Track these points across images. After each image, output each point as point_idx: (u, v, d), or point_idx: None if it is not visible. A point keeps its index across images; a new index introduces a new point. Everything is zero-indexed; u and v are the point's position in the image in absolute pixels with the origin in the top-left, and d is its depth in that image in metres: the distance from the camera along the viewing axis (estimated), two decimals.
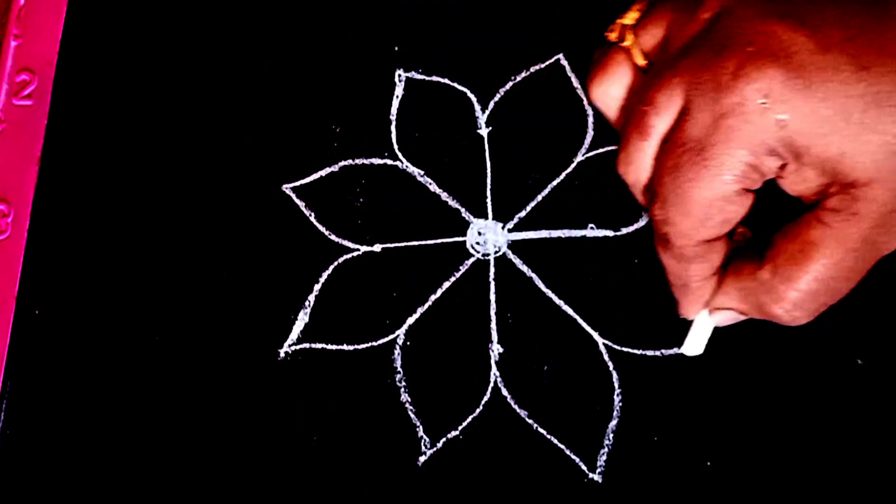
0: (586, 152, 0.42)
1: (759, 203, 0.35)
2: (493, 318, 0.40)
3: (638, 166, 0.34)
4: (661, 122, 0.33)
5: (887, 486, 0.38)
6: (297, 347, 0.40)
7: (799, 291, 0.33)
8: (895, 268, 0.39)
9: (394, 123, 0.43)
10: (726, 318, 0.37)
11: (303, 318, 0.40)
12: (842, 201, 0.32)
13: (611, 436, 0.38)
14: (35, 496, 0.39)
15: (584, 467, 0.38)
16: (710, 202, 0.32)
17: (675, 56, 0.33)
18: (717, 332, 0.37)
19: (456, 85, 0.43)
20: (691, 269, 0.35)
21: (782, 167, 0.32)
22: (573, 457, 0.38)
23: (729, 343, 0.39)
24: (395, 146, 0.43)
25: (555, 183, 0.42)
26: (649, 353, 0.39)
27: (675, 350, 0.39)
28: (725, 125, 0.31)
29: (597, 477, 0.38)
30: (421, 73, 0.43)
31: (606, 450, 0.38)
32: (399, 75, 0.44)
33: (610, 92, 0.35)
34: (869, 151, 0.31)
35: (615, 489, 0.38)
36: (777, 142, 0.31)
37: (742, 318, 0.36)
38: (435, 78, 0.43)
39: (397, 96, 0.43)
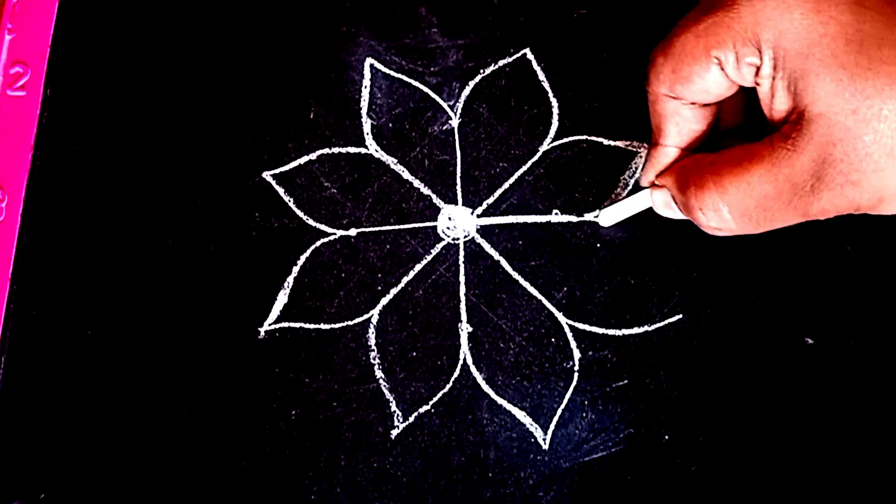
0: (551, 142, 0.42)
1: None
2: (463, 298, 0.41)
3: None
4: None
5: (837, 462, 0.38)
6: (277, 326, 0.40)
7: (718, 186, 0.34)
8: (841, 249, 0.41)
9: (366, 114, 0.43)
10: (659, 201, 0.38)
11: (282, 299, 0.41)
12: (791, 128, 0.32)
13: (567, 407, 0.39)
14: (27, 468, 0.40)
15: (543, 437, 0.39)
16: (685, 53, 0.34)
17: None
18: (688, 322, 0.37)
19: (428, 78, 0.43)
20: (662, 123, 0.36)
21: (758, 71, 0.33)
22: (533, 428, 0.39)
23: (683, 321, 0.40)
24: (369, 136, 0.43)
25: (521, 171, 0.42)
26: (610, 332, 0.40)
27: (635, 329, 0.40)
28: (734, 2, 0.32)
29: (547, 444, 0.39)
30: (393, 67, 0.44)
31: (562, 420, 0.39)
32: (372, 67, 0.44)
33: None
34: (826, 82, 0.31)
35: (569, 457, 0.39)
36: (763, 34, 0.32)
37: (669, 213, 0.37)
38: (408, 70, 0.43)
39: (366, 87, 0.43)
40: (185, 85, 0.44)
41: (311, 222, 0.42)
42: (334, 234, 0.42)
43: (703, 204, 0.35)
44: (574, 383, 0.39)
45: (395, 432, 0.39)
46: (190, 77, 0.44)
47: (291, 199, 0.42)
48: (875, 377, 0.39)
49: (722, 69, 0.34)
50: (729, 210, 0.34)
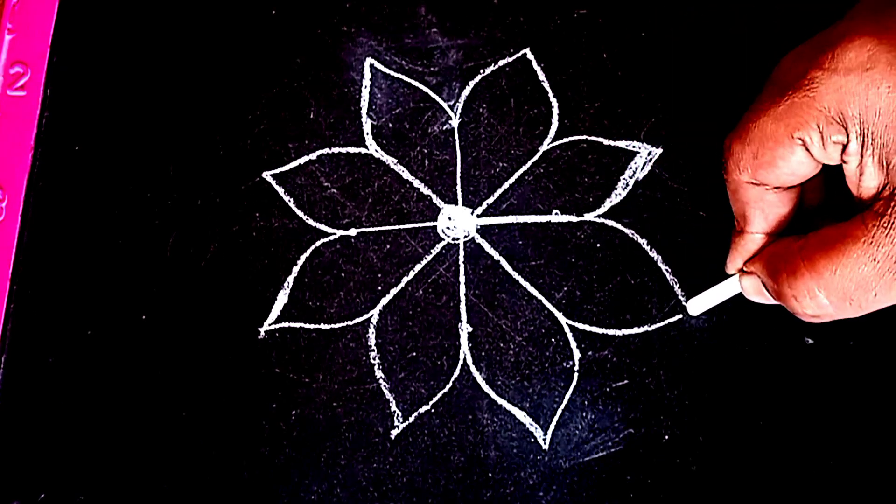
0: (551, 142, 0.43)
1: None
2: (463, 298, 0.41)
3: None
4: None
5: (836, 461, 0.38)
6: (277, 326, 0.40)
7: (812, 272, 0.32)
8: None
9: (365, 114, 0.43)
10: (749, 288, 0.36)
11: (282, 299, 0.41)
12: (886, 204, 0.31)
13: (567, 407, 0.39)
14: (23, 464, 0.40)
15: (543, 437, 0.39)
16: (767, 138, 0.32)
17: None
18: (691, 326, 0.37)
19: (428, 78, 0.43)
20: (747, 211, 0.35)
21: (845, 148, 0.31)
22: (533, 428, 0.39)
23: (682, 321, 0.40)
24: (369, 136, 0.43)
25: (521, 171, 0.42)
26: (610, 332, 0.40)
27: (635, 329, 0.40)
28: (811, 76, 0.31)
29: (547, 444, 0.39)
30: (393, 67, 0.44)
31: (562, 420, 0.39)
32: (372, 67, 0.44)
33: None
34: None
35: (569, 457, 0.38)
36: (849, 110, 0.31)
37: (760, 298, 0.36)
38: (408, 70, 0.43)
39: (366, 87, 0.44)
40: (184, 85, 0.44)
41: (311, 222, 0.42)
42: (334, 234, 0.42)
43: (797, 292, 0.33)
44: (574, 383, 0.39)
45: (395, 432, 0.39)
46: (190, 77, 0.44)
47: (291, 199, 0.42)
48: (874, 377, 0.39)
49: (807, 150, 0.32)
50: (826, 295, 0.32)
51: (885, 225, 0.31)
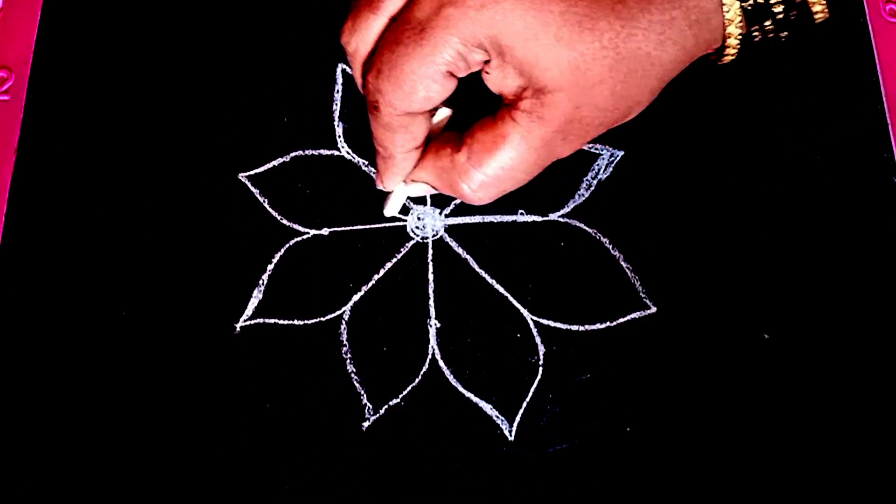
0: None
1: (464, 93, 0.37)
2: (432, 295, 0.41)
3: (361, 38, 0.36)
4: (392, 2, 0.35)
5: (794, 453, 0.39)
6: (252, 322, 0.41)
7: (486, 175, 0.36)
8: (796, 246, 0.42)
9: (338, 118, 0.44)
10: (420, 190, 0.39)
11: (257, 296, 0.41)
12: (532, 105, 0.34)
13: (532, 400, 0.40)
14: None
15: (509, 429, 0.39)
16: (418, 77, 0.34)
17: None
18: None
19: None
20: (396, 139, 0.37)
21: (487, 62, 0.35)
22: (499, 421, 0.39)
23: (643, 317, 0.41)
24: (342, 139, 0.43)
25: None
26: (573, 328, 0.41)
27: (597, 325, 0.41)
28: (446, 13, 0.34)
29: (512, 437, 0.39)
30: None
31: (527, 413, 0.40)
32: (345, 72, 0.44)
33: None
34: (559, 64, 0.34)
35: (534, 449, 0.39)
36: (486, 38, 0.34)
37: (433, 191, 0.39)
38: None
39: (338, 91, 0.44)
40: (162, 90, 0.45)
41: (284, 222, 0.42)
42: (308, 233, 0.42)
43: (477, 194, 0.37)
44: (539, 377, 0.40)
45: (366, 424, 0.39)
46: (167, 82, 0.45)
47: (266, 200, 0.43)
48: (830, 372, 0.40)
49: (453, 76, 0.35)
50: (500, 183, 0.36)
51: (534, 119, 0.35)
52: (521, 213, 0.42)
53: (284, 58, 0.45)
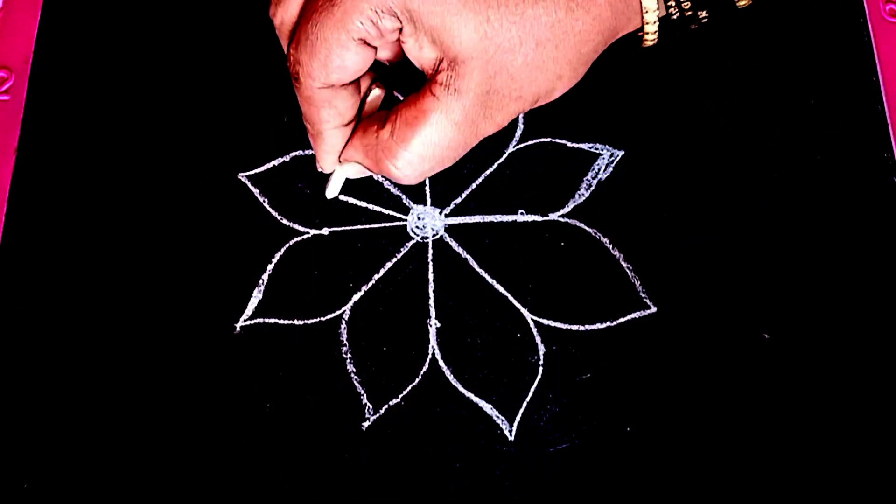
0: (517, 145, 0.43)
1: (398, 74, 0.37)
2: (432, 295, 0.41)
3: (286, 8, 0.36)
4: None
5: (794, 452, 0.39)
6: (252, 322, 0.41)
7: (409, 152, 0.36)
8: (796, 246, 0.42)
9: None
10: (355, 171, 0.39)
11: (257, 296, 0.41)
12: (448, 77, 0.34)
13: (532, 400, 0.40)
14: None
15: (508, 429, 0.39)
16: (331, 45, 0.34)
17: None
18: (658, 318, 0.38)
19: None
20: (322, 113, 0.37)
21: (401, 31, 0.35)
22: (499, 421, 0.39)
23: (643, 317, 0.41)
24: None
25: (488, 172, 0.43)
26: (573, 327, 0.41)
27: (597, 325, 0.41)
28: None
29: (512, 436, 0.39)
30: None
31: (527, 413, 0.39)
32: None
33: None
34: (466, 29, 0.34)
35: (534, 448, 0.39)
36: (395, 3, 0.33)
37: (368, 172, 0.39)
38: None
39: None
40: (162, 90, 0.45)
41: (285, 221, 0.42)
42: (308, 232, 0.42)
43: (402, 168, 0.36)
44: (539, 377, 0.40)
45: (366, 424, 0.39)
46: (167, 82, 0.45)
47: (266, 200, 0.43)
48: (831, 371, 0.40)
49: (368, 45, 0.35)
50: (428, 163, 0.36)
51: (451, 91, 0.35)
52: (522, 213, 0.42)
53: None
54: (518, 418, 0.39)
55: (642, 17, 0.37)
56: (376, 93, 0.39)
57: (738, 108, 0.44)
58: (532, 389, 0.40)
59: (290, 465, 0.39)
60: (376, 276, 0.42)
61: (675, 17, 0.38)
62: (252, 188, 0.43)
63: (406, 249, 0.42)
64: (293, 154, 0.43)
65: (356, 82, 0.38)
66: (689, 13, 0.38)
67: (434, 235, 0.42)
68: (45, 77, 0.45)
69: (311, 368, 0.40)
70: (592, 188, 0.43)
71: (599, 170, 0.43)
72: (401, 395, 0.40)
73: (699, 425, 0.39)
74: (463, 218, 0.42)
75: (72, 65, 0.45)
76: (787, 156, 0.43)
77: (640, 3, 0.36)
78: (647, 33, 0.38)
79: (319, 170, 0.40)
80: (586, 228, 0.42)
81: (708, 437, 0.39)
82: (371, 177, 0.43)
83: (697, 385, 0.40)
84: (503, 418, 0.39)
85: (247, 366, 0.40)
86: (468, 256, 0.42)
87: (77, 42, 0.45)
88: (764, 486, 0.39)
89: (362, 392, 0.40)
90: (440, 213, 0.42)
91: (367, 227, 0.42)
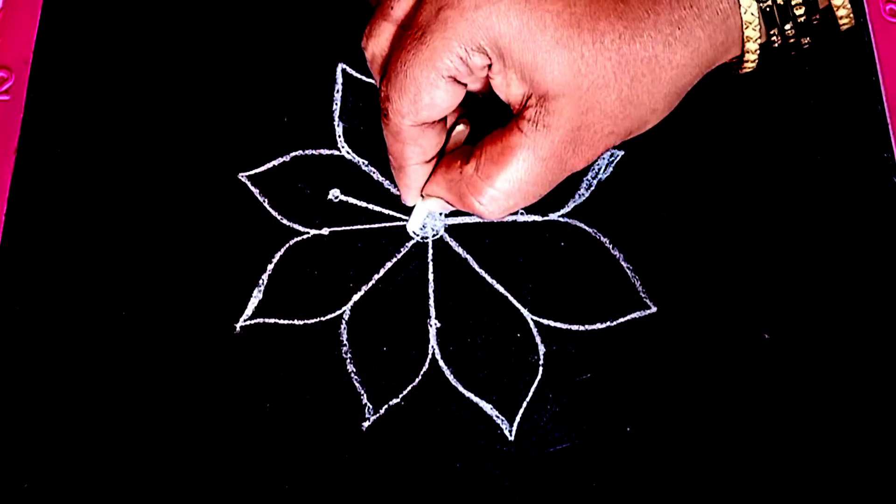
0: None
1: (483, 106, 0.37)
2: (432, 295, 0.41)
3: (377, 42, 0.36)
4: (398, 7, 0.35)
5: (793, 455, 0.39)
6: (252, 322, 0.41)
7: (495, 189, 0.35)
8: (796, 246, 0.42)
9: (338, 117, 0.44)
10: (438, 206, 0.38)
11: (257, 296, 0.41)
12: (537, 113, 0.34)
13: (532, 400, 0.40)
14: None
15: (508, 429, 0.39)
16: (421, 84, 0.34)
17: None
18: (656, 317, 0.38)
19: None
20: (406, 150, 0.36)
21: (490, 67, 0.34)
22: (499, 421, 0.39)
23: (644, 317, 0.41)
24: (342, 139, 0.43)
25: None
26: (573, 327, 0.41)
27: (597, 325, 0.41)
28: (444, 16, 0.33)
29: (512, 436, 0.39)
30: (366, 72, 0.44)
31: (527, 413, 0.39)
32: (345, 72, 0.44)
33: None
34: (559, 66, 0.33)
35: (534, 448, 0.39)
36: (484, 40, 0.33)
37: (451, 207, 0.38)
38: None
39: (338, 91, 0.44)
40: (162, 90, 0.45)
41: (285, 221, 0.42)
42: (308, 232, 0.42)
43: (488, 207, 0.36)
44: (539, 377, 0.40)
45: (366, 424, 0.39)
46: (167, 82, 0.45)
47: (266, 200, 0.43)
48: (831, 371, 0.40)
49: (457, 82, 0.34)
50: (513, 200, 0.35)
51: (539, 128, 0.34)
52: (521, 213, 0.42)
53: (284, 58, 0.45)
54: (518, 418, 0.39)
55: (742, 46, 0.35)
56: (461, 128, 0.39)
57: (737, 108, 0.44)
58: (532, 389, 0.40)
59: (290, 465, 0.39)
60: (376, 276, 0.42)
61: (776, 44, 0.36)
62: (252, 188, 0.43)
63: (406, 249, 0.42)
64: (293, 154, 0.43)
65: (443, 119, 0.37)
66: (793, 41, 0.36)
67: (434, 235, 0.42)
68: (45, 77, 0.45)
69: (311, 368, 0.40)
70: (592, 188, 0.43)
71: (599, 170, 0.43)
72: (401, 395, 0.40)
73: (699, 425, 0.39)
74: (463, 218, 0.42)
75: (72, 65, 0.45)
76: (787, 156, 0.43)
77: (742, 32, 0.35)
78: (748, 62, 0.36)
79: (403, 202, 0.40)
80: (586, 228, 0.42)
81: (708, 437, 0.39)
82: (370, 176, 0.43)
83: (697, 385, 0.40)
84: (503, 418, 0.39)
85: (247, 366, 0.40)
86: (468, 256, 0.42)
87: (77, 42, 0.45)
88: (764, 486, 0.39)
89: (362, 392, 0.40)
90: (440, 213, 0.42)
91: (367, 227, 0.42)
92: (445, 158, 0.37)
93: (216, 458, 0.39)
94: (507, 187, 0.35)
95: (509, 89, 0.35)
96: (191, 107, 0.44)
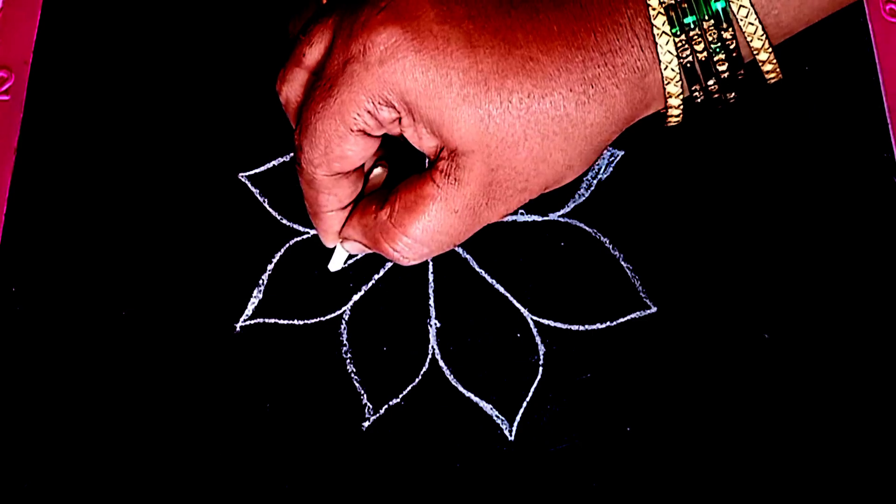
0: None
1: (402, 147, 0.36)
2: (432, 295, 0.41)
3: (290, 87, 0.35)
4: (310, 54, 0.34)
5: (793, 455, 0.39)
6: (252, 322, 0.41)
7: (408, 236, 0.34)
8: (796, 246, 0.42)
9: None
10: (355, 248, 0.38)
11: (257, 296, 0.41)
12: (449, 166, 0.33)
13: (532, 399, 0.40)
14: None
15: (508, 429, 0.39)
16: (331, 136, 0.33)
17: (338, 3, 0.34)
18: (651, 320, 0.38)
19: None
20: (320, 198, 0.36)
21: (400, 121, 0.33)
22: (499, 421, 0.39)
23: (643, 317, 0.41)
24: None
25: None
26: (573, 327, 0.41)
27: (597, 325, 0.41)
28: (350, 69, 0.32)
29: (512, 436, 0.39)
30: None
31: (527, 413, 0.39)
32: None
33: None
34: (466, 123, 0.32)
35: (534, 448, 0.39)
36: (391, 94, 0.32)
37: (369, 250, 0.37)
38: None
39: None
40: (162, 89, 0.45)
41: (285, 221, 0.42)
42: (307, 233, 0.42)
43: (399, 251, 0.35)
44: (539, 377, 0.40)
45: (366, 424, 0.39)
46: (167, 82, 0.45)
47: (266, 200, 0.43)
48: (831, 371, 0.40)
49: (368, 135, 0.34)
50: (425, 247, 0.35)
51: (452, 181, 0.33)
52: (522, 213, 0.42)
53: (284, 58, 0.45)
54: (518, 418, 0.39)
55: (665, 101, 0.34)
56: (378, 171, 0.38)
57: (737, 108, 0.44)
58: (532, 389, 0.40)
59: (290, 465, 0.39)
60: (376, 276, 0.42)
61: (699, 100, 0.35)
62: (252, 188, 0.43)
63: None
64: (293, 154, 0.43)
65: (360, 168, 0.37)
66: (717, 96, 0.35)
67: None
68: (45, 77, 0.45)
69: (311, 368, 0.40)
70: (592, 188, 0.43)
71: (599, 170, 0.43)
72: (401, 395, 0.40)
73: (699, 425, 0.39)
74: None
75: (72, 65, 0.45)
76: (787, 156, 0.43)
77: (664, 87, 0.34)
78: (672, 116, 0.35)
79: (326, 244, 0.39)
80: (586, 228, 0.42)
81: (708, 436, 0.39)
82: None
83: (697, 385, 0.40)
84: (503, 418, 0.39)
85: (247, 366, 0.40)
86: (468, 256, 0.42)
87: (77, 42, 0.45)
88: (764, 486, 0.39)
89: (362, 392, 0.40)
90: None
91: None
92: (362, 203, 0.37)
93: (216, 458, 0.39)
94: (419, 236, 0.34)
95: (422, 141, 0.34)
96: (191, 107, 0.44)
